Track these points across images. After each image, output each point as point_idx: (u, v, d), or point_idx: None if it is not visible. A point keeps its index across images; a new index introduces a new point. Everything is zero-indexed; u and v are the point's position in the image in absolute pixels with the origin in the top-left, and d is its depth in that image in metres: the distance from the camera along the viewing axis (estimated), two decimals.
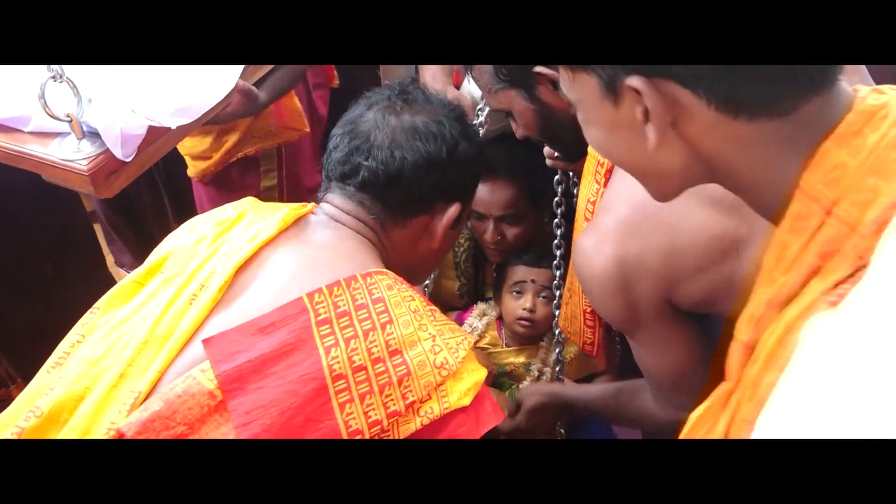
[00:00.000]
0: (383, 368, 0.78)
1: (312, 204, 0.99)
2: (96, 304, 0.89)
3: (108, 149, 1.03)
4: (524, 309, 1.39)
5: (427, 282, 1.46)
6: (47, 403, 0.78)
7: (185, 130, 1.16)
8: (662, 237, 0.84)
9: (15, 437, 0.77)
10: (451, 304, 1.58)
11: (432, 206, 0.97)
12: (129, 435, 0.72)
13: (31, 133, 1.06)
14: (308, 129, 1.67)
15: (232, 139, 1.60)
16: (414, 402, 0.79)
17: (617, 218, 0.87)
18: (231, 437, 0.73)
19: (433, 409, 0.79)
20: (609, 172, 0.92)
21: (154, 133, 1.08)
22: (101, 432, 0.75)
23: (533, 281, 1.38)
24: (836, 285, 0.54)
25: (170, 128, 1.08)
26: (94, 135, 1.04)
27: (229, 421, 0.74)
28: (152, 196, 1.99)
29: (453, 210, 0.98)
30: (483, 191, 1.34)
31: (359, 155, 0.94)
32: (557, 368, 1.35)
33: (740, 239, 0.81)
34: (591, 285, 0.91)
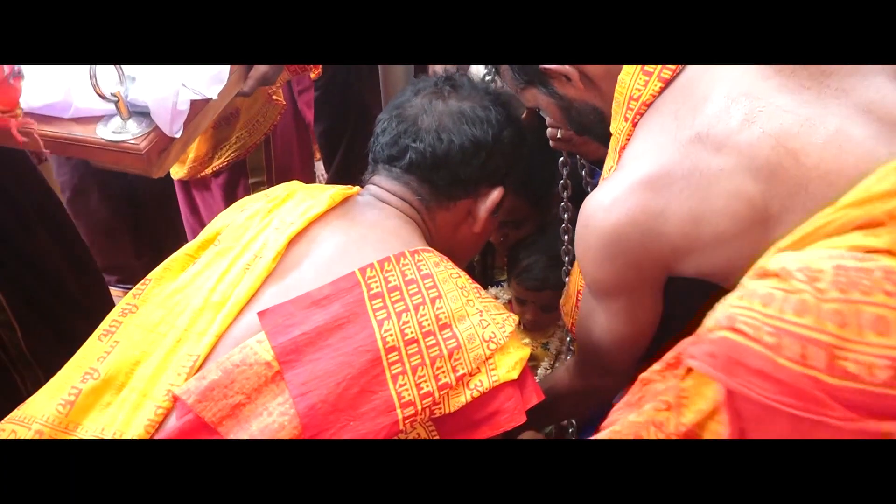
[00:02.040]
0: (434, 341, 0.80)
1: (358, 187, 1.01)
2: (148, 276, 0.91)
3: (155, 128, 1.04)
4: (526, 318, 1.42)
5: None
6: (104, 367, 0.81)
7: (219, 104, 1.19)
8: (688, 200, 0.78)
9: (73, 397, 0.79)
10: None
11: (476, 190, 1.00)
12: (190, 402, 0.74)
13: (71, 119, 1.06)
14: (284, 103, 1.61)
15: (217, 136, 1.56)
16: (464, 376, 0.80)
17: (636, 174, 0.80)
18: (287, 406, 0.75)
19: (483, 383, 0.81)
20: (623, 150, 0.89)
21: (194, 108, 1.09)
22: (161, 394, 0.78)
23: (533, 302, 1.39)
24: None
25: (209, 100, 1.10)
26: (139, 115, 1.05)
27: (285, 391, 0.75)
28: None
29: (496, 194, 1.01)
30: None
31: (406, 137, 0.97)
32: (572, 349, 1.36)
33: (770, 214, 0.76)
34: (594, 241, 0.84)
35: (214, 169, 1.60)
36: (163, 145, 1.07)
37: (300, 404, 0.74)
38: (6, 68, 0.91)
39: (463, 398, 0.80)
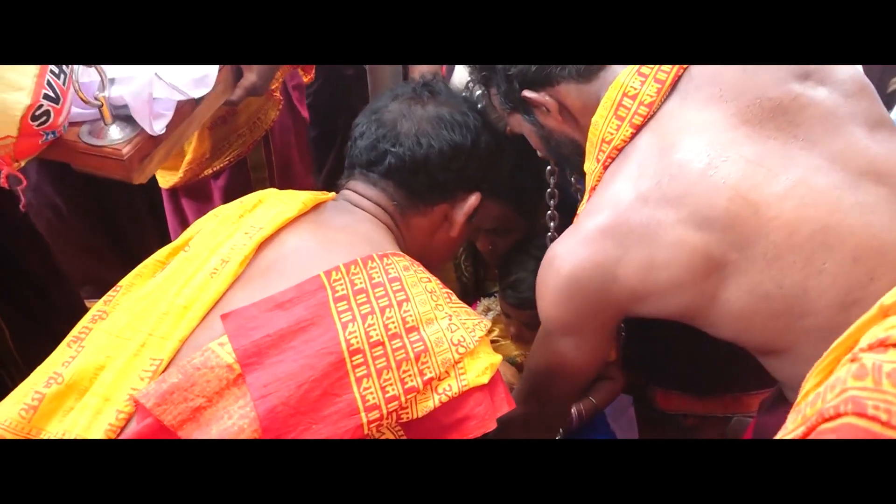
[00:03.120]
0: (400, 344, 0.79)
1: (333, 193, 1.01)
2: (119, 283, 0.90)
3: (138, 133, 1.04)
4: (511, 331, 1.41)
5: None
6: (69, 372, 0.80)
7: (205, 112, 1.18)
8: (645, 249, 0.81)
9: (36, 402, 0.78)
10: None
11: (454, 195, 1.00)
12: (149, 405, 0.73)
13: None
14: (282, 98, 1.61)
15: (212, 140, 1.54)
16: (432, 380, 0.79)
17: (598, 223, 0.84)
18: (248, 409, 0.73)
19: (451, 387, 0.79)
20: (593, 190, 0.92)
21: (179, 114, 1.10)
22: (122, 398, 0.76)
23: (516, 318, 1.39)
24: None
25: (194, 101, 1.10)
26: (122, 119, 1.05)
27: (247, 394, 0.74)
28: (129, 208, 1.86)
29: (473, 199, 1.01)
30: None
31: (386, 142, 0.97)
32: None
33: (726, 262, 0.78)
34: (554, 282, 0.87)
35: (215, 169, 1.59)
36: (146, 151, 1.07)
37: (260, 407, 0.73)
38: (46, 128, 0.96)
39: (431, 403, 0.79)
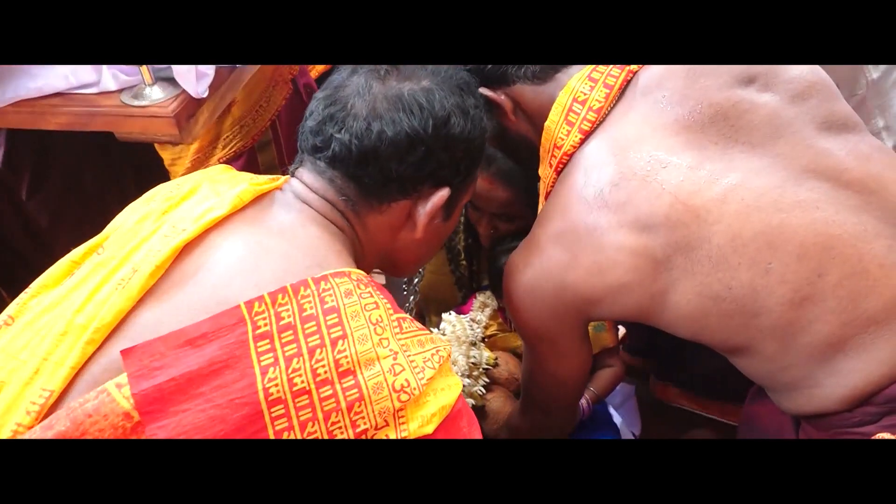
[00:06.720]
0: (330, 392, 0.67)
1: (284, 178, 0.86)
2: (32, 285, 0.79)
3: (180, 92, 1.07)
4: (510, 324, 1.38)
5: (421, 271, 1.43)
6: None
7: (244, 76, 1.25)
8: (591, 254, 0.83)
9: None
10: (445, 300, 1.52)
11: (416, 190, 0.83)
12: None
13: (96, 94, 1.09)
14: (290, 85, 1.54)
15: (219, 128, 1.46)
16: (366, 430, 0.68)
17: (548, 231, 0.87)
18: None
19: (390, 438, 0.69)
20: (548, 195, 0.93)
21: (220, 76, 1.13)
22: (5, 434, 0.67)
23: None
24: None
25: (233, 67, 1.17)
26: (163, 81, 1.08)
27: None
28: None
29: (438, 197, 0.84)
30: (482, 187, 1.24)
31: (332, 125, 0.81)
32: None
33: (672, 265, 0.80)
34: (514, 292, 0.91)
35: (221, 159, 1.50)
36: (191, 110, 1.07)
37: None
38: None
39: None
